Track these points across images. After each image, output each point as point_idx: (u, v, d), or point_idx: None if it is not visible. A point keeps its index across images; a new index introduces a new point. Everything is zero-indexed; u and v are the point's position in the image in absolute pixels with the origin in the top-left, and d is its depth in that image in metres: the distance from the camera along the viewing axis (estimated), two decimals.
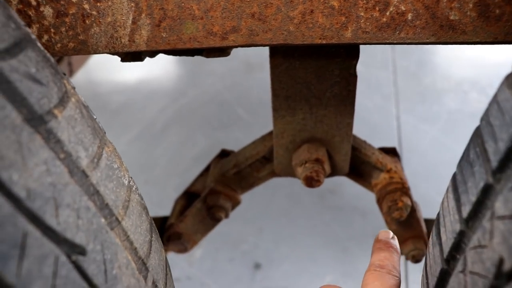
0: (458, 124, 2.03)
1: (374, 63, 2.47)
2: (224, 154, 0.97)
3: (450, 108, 2.17)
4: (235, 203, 0.90)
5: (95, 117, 0.45)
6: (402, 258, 1.01)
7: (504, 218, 0.34)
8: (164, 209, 1.30)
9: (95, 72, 2.48)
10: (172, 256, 1.39)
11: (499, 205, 0.35)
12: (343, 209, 1.64)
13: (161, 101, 2.28)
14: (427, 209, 1.10)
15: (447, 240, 0.44)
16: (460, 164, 0.44)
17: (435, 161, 1.84)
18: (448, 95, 2.27)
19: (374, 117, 2.11)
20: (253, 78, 2.40)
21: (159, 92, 2.35)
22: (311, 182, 0.76)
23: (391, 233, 0.60)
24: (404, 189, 0.82)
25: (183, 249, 0.94)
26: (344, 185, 1.65)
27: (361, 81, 2.34)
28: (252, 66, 2.48)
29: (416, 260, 0.93)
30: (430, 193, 1.65)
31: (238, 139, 1.97)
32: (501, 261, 0.33)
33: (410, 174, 1.75)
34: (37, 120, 0.34)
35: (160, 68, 2.51)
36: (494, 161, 0.37)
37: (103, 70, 2.50)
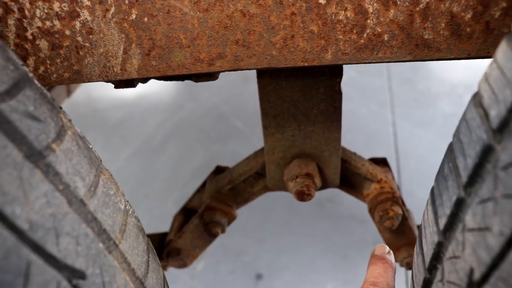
0: (454, 128, 2.03)
1: (368, 70, 2.50)
2: (219, 170, 1.00)
3: (445, 112, 2.20)
4: (231, 218, 0.92)
5: (91, 146, 0.47)
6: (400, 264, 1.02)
7: (473, 230, 0.37)
8: (165, 222, 1.32)
9: (93, 89, 2.51)
10: (174, 270, 1.40)
11: (469, 218, 0.37)
12: (341, 218, 1.66)
13: (159, 115, 2.31)
14: None
15: (428, 250, 0.46)
16: (437, 178, 0.47)
17: (432, 165, 1.85)
18: (443, 99, 2.29)
19: (370, 124, 2.13)
20: (249, 90, 2.43)
21: (157, 106, 2.38)
22: (303, 196, 0.78)
23: (387, 248, 0.62)
24: (394, 199, 0.85)
25: (183, 264, 0.96)
26: (342, 194, 1.67)
27: (356, 89, 2.37)
28: (248, 78, 2.51)
29: (410, 267, 0.95)
30: (427, 197, 1.67)
31: (236, 151, 2.00)
32: (471, 271, 0.36)
33: (407, 179, 1.78)
34: (36, 156, 0.37)
35: (157, 83, 2.54)
36: (464, 176, 0.39)
37: (101, 86, 2.53)
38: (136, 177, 1.91)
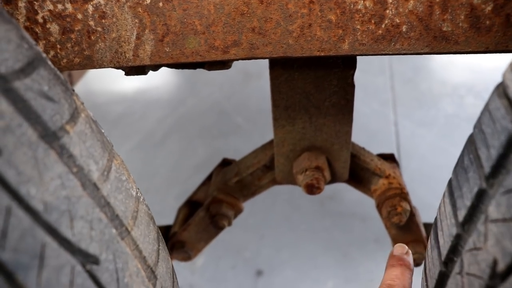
0: (455, 128, 2.05)
1: (371, 70, 2.50)
2: (225, 163, 0.99)
3: (447, 112, 2.20)
4: (238, 211, 0.91)
5: (103, 131, 0.46)
6: None
7: (497, 221, 0.36)
8: (165, 218, 1.31)
9: (94, 83, 2.50)
10: (174, 265, 1.40)
11: (492, 209, 0.37)
12: (342, 215, 1.65)
13: (160, 110, 2.30)
14: (427, 213, 1.12)
15: (445, 243, 0.46)
16: (455, 170, 0.46)
17: (433, 165, 1.86)
18: (445, 99, 2.29)
19: (372, 123, 2.13)
20: (251, 87, 2.42)
21: (158, 101, 2.37)
22: (312, 189, 0.77)
23: (406, 248, 0.62)
24: (403, 194, 0.84)
25: (187, 257, 0.95)
26: (343, 191, 1.67)
27: (359, 88, 2.36)
28: (250, 75, 2.50)
29: (416, 263, 0.94)
30: (429, 197, 1.67)
31: (238, 148, 1.99)
32: (495, 262, 0.35)
33: (409, 178, 1.78)
34: (51, 136, 0.36)
35: (159, 78, 2.53)
36: (487, 167, 0.38)
37: (102, 80, 2.52)
38: (137, 172, 1.90)
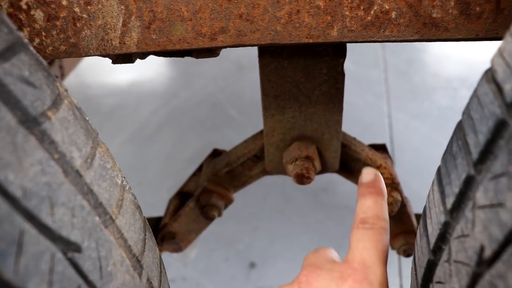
0: (449, 121, 2.05)
1: (365, 62, 2.49)
2: (216, 153, 0.98)
3: (440, 105, 2.20)
4: (228, 201, 0.91)
5: (87, 118, 0.46)
6: (394, 252, 1.02)
7: (484, 207, 0.35)
8: (158, 210, 1.31)
9: (87, 75, 2.48)
10: (166, 257, 1.39)
11: (480, 195, 0.36)
12: (336, 207, 1.65)
13: (153, 103, 2.28)
14: (419, 205, 1.12)
15: (433, 231, 0.45)
16: (444, 157, 0.46)
17: (427, 158, 1.86)
18: (439, 92, 2.29)
19: (366, 115, 2.13)
20: (245, 79, 2.41)
21: (151, 94, 2.35)
22: (302, 179, 0.77)
23: (374, 172, 0.55)
24: (394, 185, 0.84)
25: (178, 249, 0.95)
26: (337, 183, 1.67)
27: (353, 80, 2.36)
28: (243, 67, 2.49)
29: (407, 254, 0.94)
30: (421, 189, 1.66)
31: (231, 140, 1.98)
32: (482, 249, 0.35)
33: (402, 170, 1.78)
34: (31, 122, 0.35)
35: (152, 70, 2.51)
36: (475, 153, 0.38)
37: (95, 72, 2.50)
38: (130, 164, 1.89)
